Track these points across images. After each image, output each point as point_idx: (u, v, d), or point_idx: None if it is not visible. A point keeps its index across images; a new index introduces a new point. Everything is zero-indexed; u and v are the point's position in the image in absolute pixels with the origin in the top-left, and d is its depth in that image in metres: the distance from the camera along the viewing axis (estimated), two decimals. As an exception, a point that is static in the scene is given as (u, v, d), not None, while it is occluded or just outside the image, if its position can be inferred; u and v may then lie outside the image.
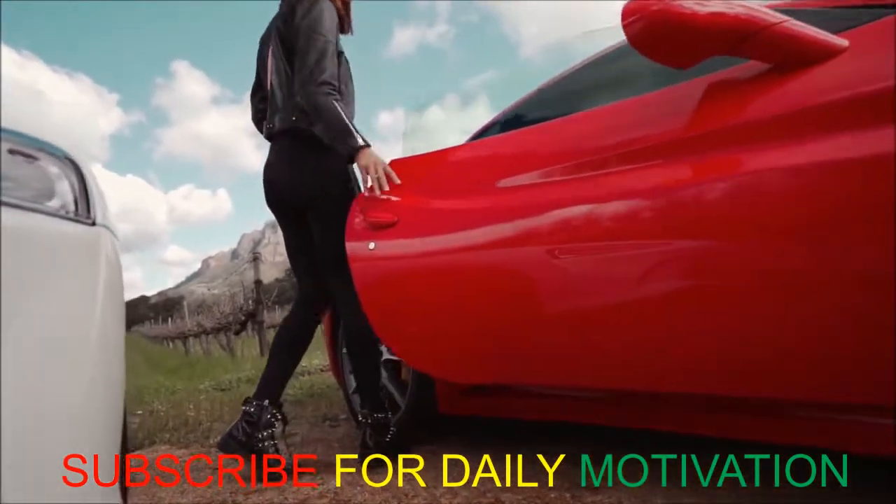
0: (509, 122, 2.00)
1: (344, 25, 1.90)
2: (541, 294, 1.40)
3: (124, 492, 0.85)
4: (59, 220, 0.71)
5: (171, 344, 19.33)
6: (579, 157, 1.38)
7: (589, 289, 1.30)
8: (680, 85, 1.25)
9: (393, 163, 1.81)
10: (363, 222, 1.76)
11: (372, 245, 1.71)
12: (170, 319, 22.37)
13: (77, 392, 0.64)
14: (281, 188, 1.85)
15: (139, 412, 3.23)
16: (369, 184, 1.72)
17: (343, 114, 1.69)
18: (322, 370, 4.69)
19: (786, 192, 1.00)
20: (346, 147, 1.69)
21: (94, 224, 0.78)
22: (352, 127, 1.70)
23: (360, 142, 1.69)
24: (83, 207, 0.77)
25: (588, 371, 1.35)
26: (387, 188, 1.71)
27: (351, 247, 1.76)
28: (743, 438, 1.19)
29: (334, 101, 1.69)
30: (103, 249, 0.78)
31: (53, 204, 0.71)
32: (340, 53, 1.81)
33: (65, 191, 0.75)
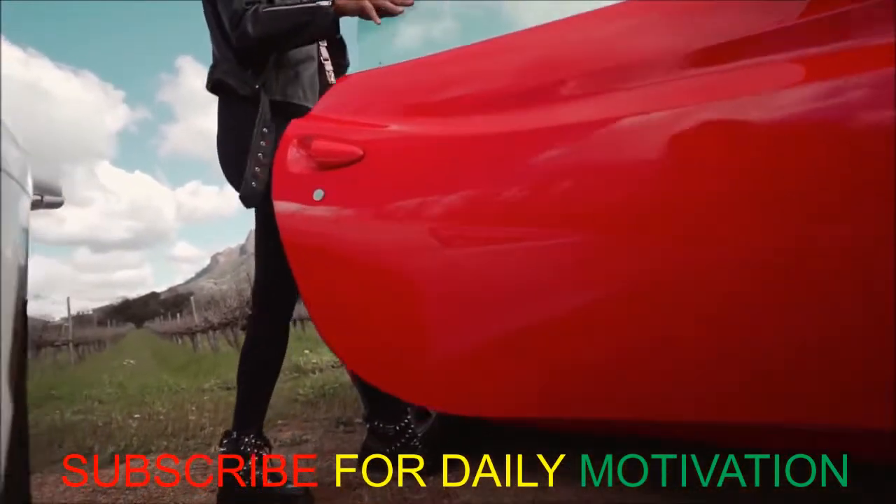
0: None
1: None
2: (626, 278, 0.91)
3: None
4: None
5: (180, 340, 19.46)
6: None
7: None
8: None
9: (356, 76, 1.31)
10: (303, 158, 1.16)
11: (319, 195, 1.11)
12: (178, 315, 22.53)
13: None
14: None
15: (136, 415, 3.05)
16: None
17: (279, 9, 1.36)
18: (334, 366, 4.42)
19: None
20: (326, 23, 1.37)
21: None
22: (302, 6, 1.36)
23: (326, 2, 1.36)
24: None
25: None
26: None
27: (281, 204, 1.16)
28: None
29: (260, 10, 1.34)
30: None
31: None
32: None
33: None
